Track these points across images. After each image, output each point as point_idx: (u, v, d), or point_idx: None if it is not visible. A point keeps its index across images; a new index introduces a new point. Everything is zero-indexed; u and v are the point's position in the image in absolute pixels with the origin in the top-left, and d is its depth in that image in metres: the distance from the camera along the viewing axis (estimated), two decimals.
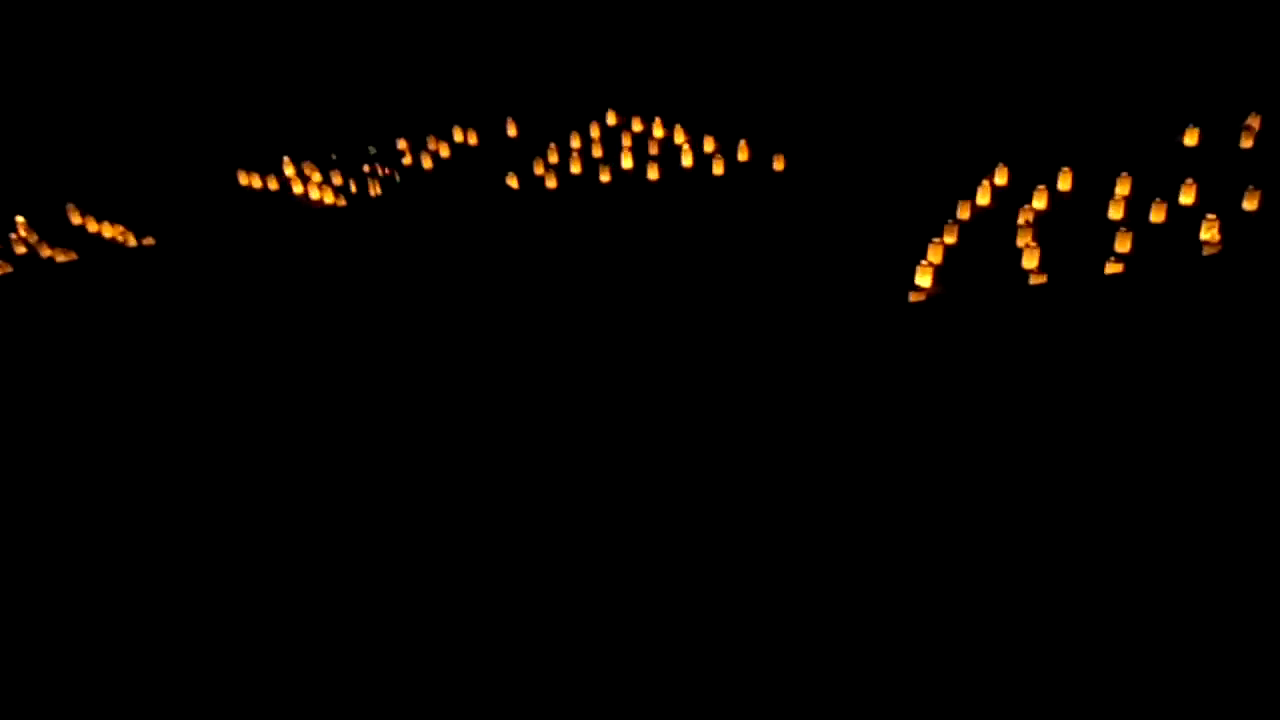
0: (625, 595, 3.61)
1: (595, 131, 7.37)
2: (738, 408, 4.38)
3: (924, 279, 4.90)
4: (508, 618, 3.60)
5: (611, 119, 7.53)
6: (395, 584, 3.79)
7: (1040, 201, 5.58)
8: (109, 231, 6.55)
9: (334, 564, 3.91)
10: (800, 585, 3.58)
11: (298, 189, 7.01)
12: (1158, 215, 5.24)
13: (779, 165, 6.61)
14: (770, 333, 4.80)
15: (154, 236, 6.46)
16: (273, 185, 7.11)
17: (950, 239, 5.34)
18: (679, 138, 7.13)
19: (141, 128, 7.71)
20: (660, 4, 8.64)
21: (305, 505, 4.22)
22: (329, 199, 6.91)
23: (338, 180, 7.08)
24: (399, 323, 5.51)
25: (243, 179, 7.22)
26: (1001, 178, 5.92)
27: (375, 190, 6.88)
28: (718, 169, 6.66)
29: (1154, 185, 5.55)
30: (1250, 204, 5.21)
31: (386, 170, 6.76)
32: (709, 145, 6.95)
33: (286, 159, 7.20)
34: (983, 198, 5.77)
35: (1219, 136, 5.97)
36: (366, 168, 7.16)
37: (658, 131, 7.29)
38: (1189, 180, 5.36)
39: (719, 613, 3.51)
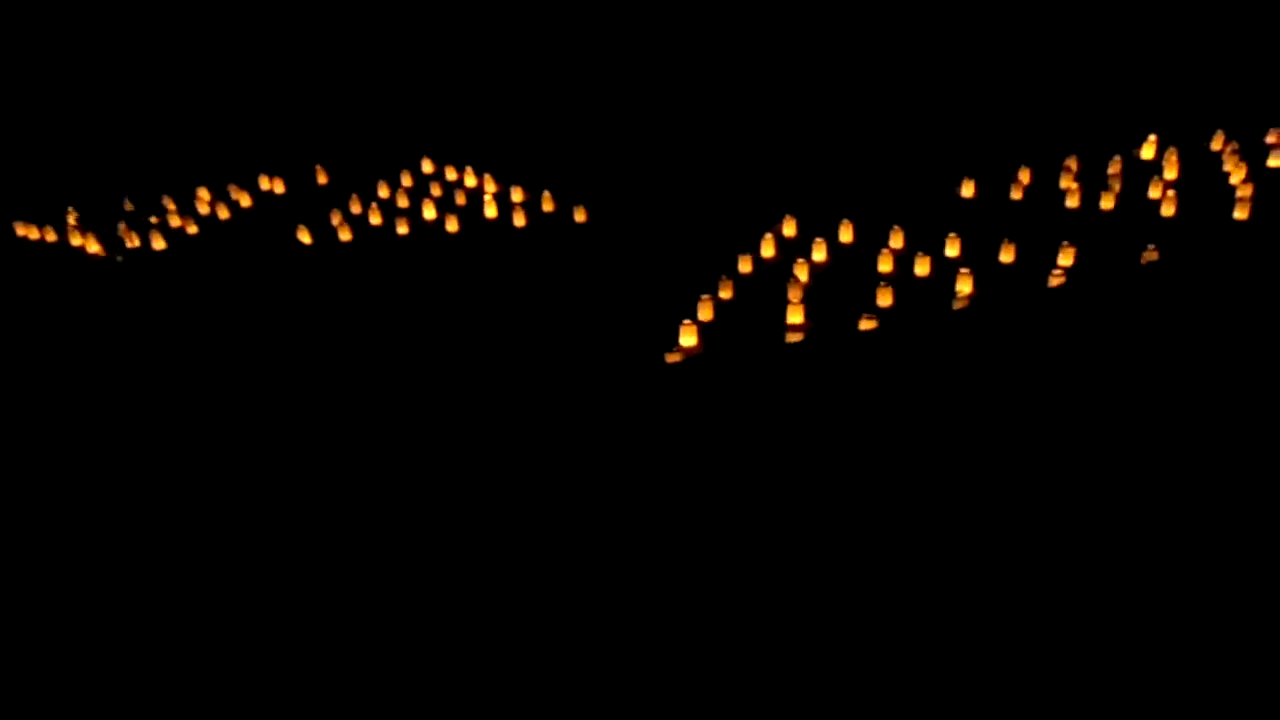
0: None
1: (407, 180, 7.23)
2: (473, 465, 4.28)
3: (687, 338, 4.89)
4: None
5: (427, 167, 7.41)
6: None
7: (818, 254, 5.68)
8: None
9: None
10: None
11: (76, 240, 6.63)
12: (921, 268, 5.39)
13: (580, 217, 6.58)
14: (522, 392, 4.72)
15: None
16: (50, 237, 6.72)
17: (725, 294, 5.37)
18: (489, 188, 7.05)
19: None
20: (481, 52, 8.60)
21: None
22: (100, 250, 6.55)
23: (124, 233, 6.73)
24: (172, 384, 5.24)
25: (19, 230, 6.81)
26: (789, 229, 6.01)
27: (160, 244, 6.56)
28: (519, 220, 6.59)
29: (925, 238, 5.72)
30: (1006, 257, 5.40)
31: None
32: (517, 195, 6.89)
33: (71, 209, 6.83)
34: (766, 250, 5.84)
35: (992, 188, 6.22)
36: (155, 219, 6.84)
37: (469, 181, 7.19)
38: (952, 234, 5.54)
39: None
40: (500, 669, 3.49)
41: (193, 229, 6.76)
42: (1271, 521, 3.75)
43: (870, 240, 5.85)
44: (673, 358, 4.77)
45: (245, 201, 7.16)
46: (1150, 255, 5.11)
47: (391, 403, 4.89)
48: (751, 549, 3.85)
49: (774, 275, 5.59)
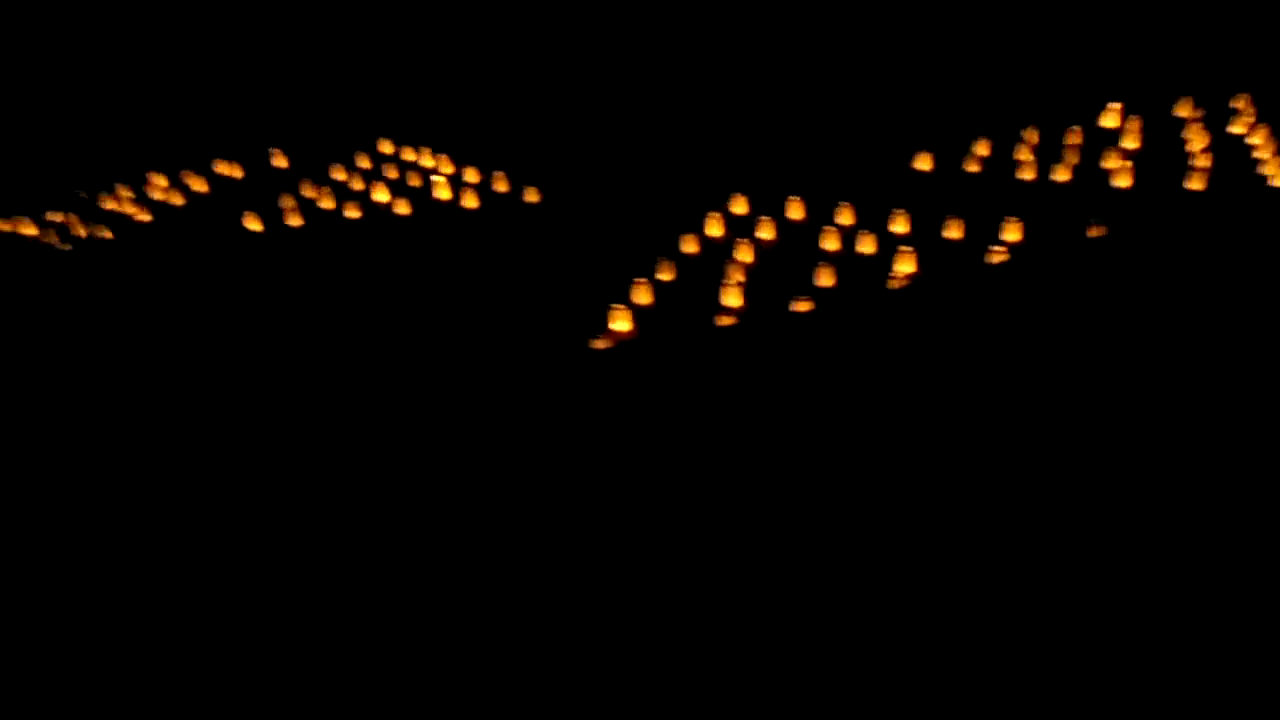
0: None
1: (365, 162, 7.17)
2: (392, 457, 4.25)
3: (619, 323, 4.82)
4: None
5: (387, 148, 7.34)
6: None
7: (766, 233, 5.57)
8: None
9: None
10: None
11: (27, 230, 6.63)
12: (866, 246, 5.28)
13: (533, 197, 6.51)
14: (456, 380, 4.67)
15: None
16: (4, 227, 6.71)
17: (665, 276, 5.29)
18: (445, 169, 6.97)
19: None
20: (437, 35, 8.49)
21: None
22: (55, 240, 6.55)
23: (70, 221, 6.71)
24: (130, 375, 5.24)
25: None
26: (739, 207, 5.90)
27: (107, 234, 6.55)
28: (470, 202, 6.52)
29: (876, 215, 5.59)
30: (953, 233, 5.28)
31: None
32: (472, 176, 6.81)
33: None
34: (714, 229, 5.73)
35: (948, 162, 6.08)
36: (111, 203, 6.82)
37: (427, 162, 7.12)
38: (899, 210, 5.41)
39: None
40: (443, 661, 3.47)
41: (145, 216, 6.74)
42: (1233, 498, 3.65)
43: (821, 218, 5.73)
44: (600, 344, 4.71)
45: (200, 187, 7.12)
46: (1097, 230, 4.98)
47: (326, 390, 4.86)
48: (686, 541, 3.81)
49: (716, 256, 5.49)
